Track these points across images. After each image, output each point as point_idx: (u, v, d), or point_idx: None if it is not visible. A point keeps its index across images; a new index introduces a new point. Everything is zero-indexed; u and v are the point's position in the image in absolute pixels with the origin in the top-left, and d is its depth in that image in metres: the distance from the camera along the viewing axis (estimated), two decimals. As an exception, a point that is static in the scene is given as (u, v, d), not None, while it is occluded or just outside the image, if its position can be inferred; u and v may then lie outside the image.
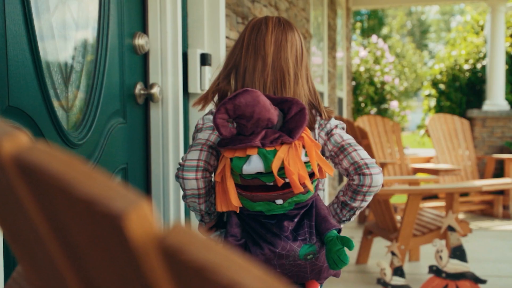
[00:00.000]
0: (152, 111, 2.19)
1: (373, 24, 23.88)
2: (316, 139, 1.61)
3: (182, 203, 2.25)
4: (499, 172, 7.42)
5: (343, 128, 1.66)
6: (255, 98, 1.32)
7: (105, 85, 1.85)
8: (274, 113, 1.37)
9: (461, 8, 29.81)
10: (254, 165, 1.35)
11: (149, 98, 2.15)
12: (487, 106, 7.81)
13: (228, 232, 1.52)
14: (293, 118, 1.40)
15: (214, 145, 1.52)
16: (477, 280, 3.46)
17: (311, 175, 1.42)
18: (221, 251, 0.40)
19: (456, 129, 7.42)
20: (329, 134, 1.62)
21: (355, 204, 1.58)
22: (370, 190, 1.54)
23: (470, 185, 5.42)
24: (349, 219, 1.65)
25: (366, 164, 1.53)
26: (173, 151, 2.20)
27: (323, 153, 1.64)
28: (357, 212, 1.64)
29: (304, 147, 1.40)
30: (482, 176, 7.56)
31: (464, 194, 7.13)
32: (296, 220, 1.46)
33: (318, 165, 1.44)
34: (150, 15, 2.15)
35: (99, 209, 0.41)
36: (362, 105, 10.57)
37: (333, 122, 1.64)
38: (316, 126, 1.62)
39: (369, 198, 1.57)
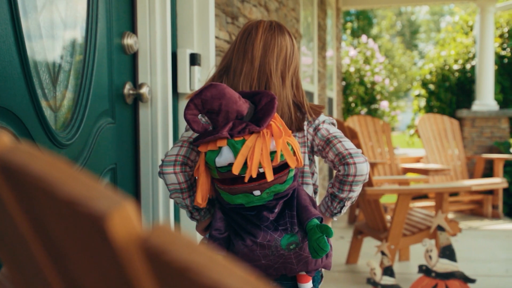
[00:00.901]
0: (141, 111, 2.18)
1: (363, 24, 23.93)
2: (305, 136, 1.66)
3: (171, 203, 2.24)
4: (489, 172, 7.46)
5: (333, 124, 1.71)
6: (220, 91, 1.36)
7: (94, 85, 1.85)
8: (242, 105, 1.40)
9: (450, 9, 29.91)
10: (225, 156, 1.38)
11: (138, 98, 2.14)
12: (477, 106, 7.85)
13: (213, 226, 1.55)
14: (262, 108, 1.43)
15: None
16: (467, 279, 3.47)
17: (286, 165, 1.44)
18: (205, 251, 0.39)
19: (445, 129, 7.44)
20: (316, 129, 1.67)
21: (343, 195, 1.62)
22: (356, 180, 1.57)
23: (460, 185, 5.43)
24: (340, 211, 1.68)
25: (350, 154, 1.57)
26: (162, 151, 2.19)
27: (312, 148, 1.68)
28: (347, 204, 1.66)
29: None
30: (471, 176, 7.60)
31: (454, 193, 7.16)
32: (276, 210, 1.48)
33: (294, 154, 1.45)
34: (139, 15, 2.15)
35: (81, 210, 0.41)
36: (352, 105, 10.59)
37: (321, 118, 1.70)
38: (305, 123, 1.67)
39: (356, 188, 1.60)
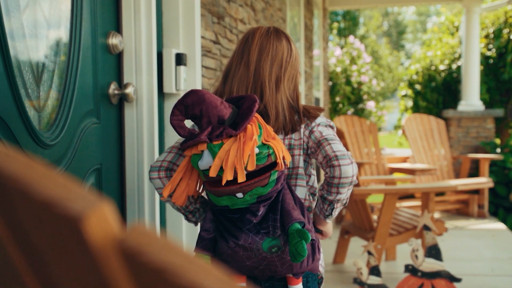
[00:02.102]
0: (127, 111, 2.17)
1: (348, 24, 23.99)
2: (301, 138, 1.70)
3: (157, 204, 2.24)
4: (474, 171, 7.51)
5: (330, 126, 1.73)
6: (200, 97, 1.42)
7: (78, 85, 1.83)
8: (223, 110, 1.44)
9: (437, 9, 30.06)
10: (205, 160, 1.42)
11: (123, 98, 2.13)
12: (462, 106, 7.90)
13: (202, 227, 1.60)
14: (242, 112, 1.47)
15: None
16: (452, 278, 3.49)
17: (270, 166, 1.47)
18: (182, 252, 0.39)
19: (432, 129, 7.48)
20: (311, 131, 1.70)
21: (331, 197, 1.63)
22: (342, 182, 1.58)
23: (446, 185, 5.45)
24: (331, 214, 1.70)
25: (336, 156, 1.58)
26: (148, 151, 2.18)
27: (307, 150, 1.71)
28: (337, 206, 1.67)
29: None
30: (457, 175, 7.64)
31: (440, 193, 7.20)
32: (260, 213, 1.51)
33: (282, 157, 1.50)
34: (124, 14, 2.14)
35: (57, 211, 0.41)
36: (339, 105, 10.61)
37: (318, 120, 1.73)
38: (303, 126, 1.71)
39: (343, 191, 1.61)
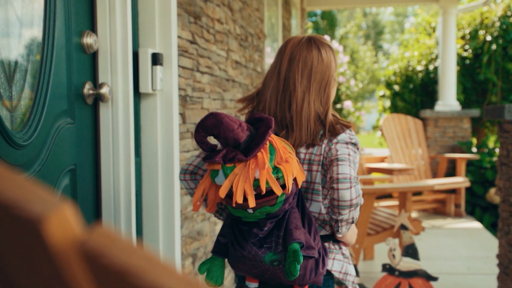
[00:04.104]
0: (102, 111, 2.15)
1: (325, 24, 24.05)
2: (321, 154, 1.74)
3: (133, 204, 2.22)
4: (451, 171, 7.58)
5: (350, 143, 1.73)
6: (219, 120, 1.51)
7: (52, 85, 1.81)
8: (239, 133, 1.53)
9: (415, 10, 30.29)
10: (220, 178, 1.54)
11: (98, 98, 2.11)
12: (439, 106, 7.96)
13: (220, 231, 1.72)
14: (256, 137, 1.54)
15: None
16: (429, 277, 3.52)
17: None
18: (144, 254, 0.38)
19: (409, 129, 7.54)
20: (329, 148, 1.72)
21: (334, 217, 1.66)
22: (340, 205, 1.60)
23: (423, 184, 5.50)
24: (338, 231, 1.71)
25: (337, 179, 1.61)
26: (124, 151, 2.16)
27: (324, 166, 1.75)
28: (342, 224, 1.68)
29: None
30: (434, 175, 7.71)
31: (417, 193, 7.26)
32: (266, 229, 1.59)
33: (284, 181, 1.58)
34: (98, 13, 2.11)
35: (17, 213, 0.40)
36: (318, 105, 10.62)
37: (340, 136, 1.75)
38: (325, 141, 1.74)
39: (344, 212, 1.62)
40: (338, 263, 1.83)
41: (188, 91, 2.78)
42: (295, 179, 1.57)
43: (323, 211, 1.77)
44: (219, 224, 3.37)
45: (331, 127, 1.75)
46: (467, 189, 7.35)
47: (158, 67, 2.39)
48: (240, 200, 1.47)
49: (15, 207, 0.40)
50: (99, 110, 2.15)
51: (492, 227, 7.04)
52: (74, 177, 1.99)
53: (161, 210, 2.50)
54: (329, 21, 24.30)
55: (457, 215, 7.11)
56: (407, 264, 3.50)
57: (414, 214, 7.12)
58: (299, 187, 1.64)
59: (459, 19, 8.97)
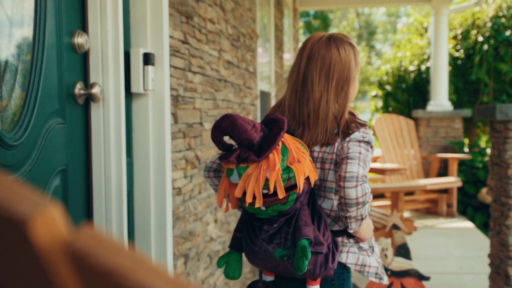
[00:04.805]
0: (93, 111, 2.14)
1: (318, 23, 24.06)
2: (334, 152, 1.78)
3: (124, 204, 2.21)
4: (443, 171, 7.60)
5: (362, 142, 1.75)
6: (233, 122, 1.57)
7: (43, 85, 1.80)
8: (253, 134, 1.58)
9: (407, 10, 30.39)
10: (234, 177, 1.61)
11: (89, 98, 2.10)
12: (431, 106, 7.99)
13: (236, 226, 1.81)
14: (268, 138, 1.59)
15: None
16: (421, 277, 3.52)
17: (290, 188, 1.59)
18: (130, 254, 0.38)
19: (401, 129, 7.55)
20: (342, 147, 1.76)
21: (343, 213, 1.69)
22: (347, 202, 1.63)
23: (415, 184, 5.51)
24: (348, 227, 1.74)
25: (344, 177, 1.64)
26: (115, 152, 2.16)
27: (336, 163, 1.79)
28: (351, 221, 1.70)
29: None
30: (426, 175, 7.73)
31: (410, 193, 7.27)
32: (276, 225, 1.65)
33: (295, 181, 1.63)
34: (90, 13, 2.11)
35: (2, 214, 0.39)
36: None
37: (353, 135, 1.77)
38: (338, 140, 1.78)
39: (351, 210, 1.65)
40: (353, 255, 1.85)
41: (180, 91, 2.78)
42: (307, 178, 1.62)
43: (335, 207, 1.81)
44: (212, 225, 3.37)
45: (345, 126, 1.78)
46: (459, 189, 7.37)
47: (149, 67, 2.38)
48: (250, 200, 1.54)
49: (0, 207, 0.39)
50: (90, 110, 2.14)
51: (483, 227, 7.07)
52: (65, 178, 1.98)
53: (153, 211, 2.49)
54: (322, 21, 24.31)
55: (449, 214, 7.13)
56: (399, 263, 3.51)
57: (406, 214, 7.13)
58: (312, 186, 1.68)
59: (451, 20, 9.00)
